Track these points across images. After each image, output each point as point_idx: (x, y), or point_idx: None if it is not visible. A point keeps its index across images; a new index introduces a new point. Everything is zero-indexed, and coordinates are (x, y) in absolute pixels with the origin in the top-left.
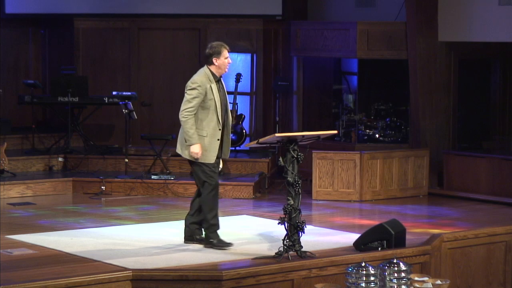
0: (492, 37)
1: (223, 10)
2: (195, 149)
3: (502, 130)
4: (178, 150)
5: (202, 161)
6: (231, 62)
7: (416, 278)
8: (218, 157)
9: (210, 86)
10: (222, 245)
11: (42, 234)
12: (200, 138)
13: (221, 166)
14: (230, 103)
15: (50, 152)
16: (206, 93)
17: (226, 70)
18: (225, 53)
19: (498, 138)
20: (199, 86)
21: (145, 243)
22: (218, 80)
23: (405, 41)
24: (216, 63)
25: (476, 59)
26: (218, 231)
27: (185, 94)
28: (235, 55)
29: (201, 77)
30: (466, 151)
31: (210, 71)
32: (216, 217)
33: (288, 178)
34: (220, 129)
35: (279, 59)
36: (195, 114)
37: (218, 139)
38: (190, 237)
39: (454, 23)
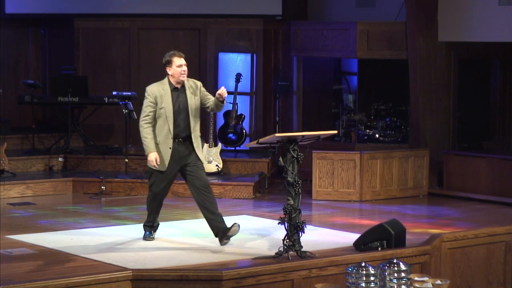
0: (492, 37)
1: (223, 10)
2: (150, 157)
3: (502, 130)
4: None
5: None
6: (185, 70)
7: (416, 278)
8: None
9: (161, 95)
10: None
11: (42, 234)
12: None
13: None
14: (229, 103)
15: (50, 152)
16: (156, 102)
17: (181, 78)
18: (176, 61)
19: (498, 138)
20: (148, 95)
21: (145, 243)
22: (175, 88)
23: (405, 41)
24: (169, 72)
25: (476, 59)
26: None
27: None
28: (235, 55)
29: (154, 86)
30: (466, 151)
31: (168, 80)
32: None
33: (288, 178)
34: (172, 138)
35: (279, 59)
36: (152, 122)
37: (170, 148)
38: (223, 235)
39: (454, 23)
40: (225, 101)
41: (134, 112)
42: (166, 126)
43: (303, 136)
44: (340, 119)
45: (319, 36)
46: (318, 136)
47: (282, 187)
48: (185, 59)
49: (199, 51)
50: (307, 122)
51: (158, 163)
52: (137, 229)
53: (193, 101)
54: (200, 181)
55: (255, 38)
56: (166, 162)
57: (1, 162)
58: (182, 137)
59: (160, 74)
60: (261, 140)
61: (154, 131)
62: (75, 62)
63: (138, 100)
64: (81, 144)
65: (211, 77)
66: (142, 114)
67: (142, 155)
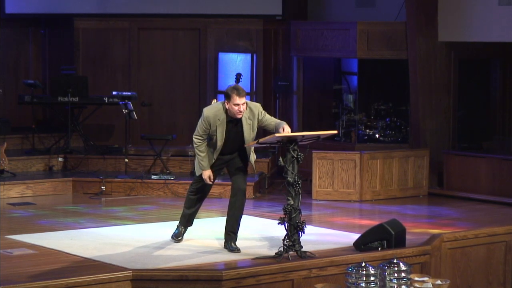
0: (492, 37)
1: (223, 10)
2: (204, 175)
3: (502, 130)
4: None
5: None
6: (242, 110)
7: (416, 278)
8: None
9: (216, 124)
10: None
11: (42, 234)
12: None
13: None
14: None
15: (50, 152)
16: (210, 127)
17: (237, 116)
18: (235, 99)
19: (498, 138)
20: (204, 120)
21: (145, 243)
22: (231, 120)
23: (405, 41)
24: (227, 106)
25: (476, 59)
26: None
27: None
28: (235, 55)
29: (212, 111)
30: (466, 151)
31: (225, 109)
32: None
33: (288, 178)
34: (214, 159)
35: (279, 59)
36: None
37: (212, 162)
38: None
39: (454, 23)
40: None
41: (134, 112)
42: (214, 148)
43: (303, 136)
44: (340, 119)
45: (319, 36)
46: (318, 136)
47: (282, 187)
48: (245, 96)
49: (199, 51)
50: (307, 122)
51: (211, 181)
52: (137, 229)
53: (248, 135)
54: (236, 184)
55: (255, 38)
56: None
57: (1, 162)
58: (228, 153)
59: (159, 74)
60: (261, 140)
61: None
62: (75, 62)
63: (138, 100)
64: (81, 144)
65: (211, 77)
66: (196, 133)
67: (142, 155)
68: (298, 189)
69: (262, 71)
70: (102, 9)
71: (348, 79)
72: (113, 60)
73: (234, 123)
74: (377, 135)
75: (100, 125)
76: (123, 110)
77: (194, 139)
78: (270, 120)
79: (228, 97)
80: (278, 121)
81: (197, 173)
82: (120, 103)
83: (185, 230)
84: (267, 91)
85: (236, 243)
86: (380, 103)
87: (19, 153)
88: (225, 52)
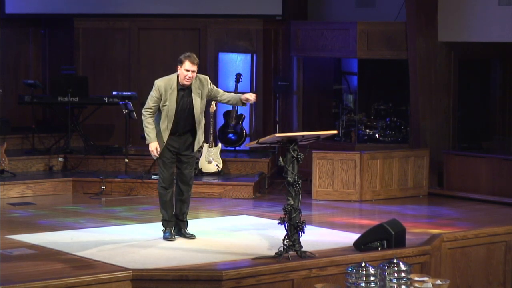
0: (492, 37)
1: (223, 10)
2: (150, 147)
3: (502, 130)
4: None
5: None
6: (190, 76)
7: (416, 278)
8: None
9: (167, 92)
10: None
11: (42, 234)
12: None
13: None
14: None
15: (50, 152)
16: (161, 97)
17: (185, 82)
18: (187, 64)
19: (498, 138)
20: (155, 89)
21: (145, 243)
22: (182, 88)
23: (405, 41)
24: (178, 72)
25: (476, 59)
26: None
27: None
28: (235, 55)
29: (163, 81)
30: (466, 151)
31: (177, 77)
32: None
33: (288, 178)
34: (168, 134)
35: (279, 59)
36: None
37: (164, 142)
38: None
39: (454, 23)
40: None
41: (134, 112)
42: (165, 123)
43: (303, 136)
44: (340, 119)
45: (319, 36)
46: (318, 136)
47: (282, 187)
48: (198, 65)
49: (199, 51)
50: (307, 122)
51: (157, 153)
52: (137, 229)
53: (198, 104)
54: (186, 177)
55: (255, 38)
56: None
57: (1, 162)
58: (182, 132)
59: (159, 74)
60: (261, 140)
61: (155, 120)
62: (75, 62)
63: (138, 100)
64: (81, 144)
65: (211, 77)
66: (146, 105)
67: (142, 155)
68: (298, 189)
69: (262, 71)
70: (102, 9)
71: (348, 79)
72: (113, 60)
73: (185, 91)
74: (377, 135)
75: (100, 125)
76: (123, 110)
77: (144, 112)
78: (221, 92)
79: (181, 62)
80: (234, 94)
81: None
82: (120, 103)
83: (173, 224)
84: (267, 91)
85: (236, 243)
86: (380, 103)
87: (19, 153)
88: (225, 52)
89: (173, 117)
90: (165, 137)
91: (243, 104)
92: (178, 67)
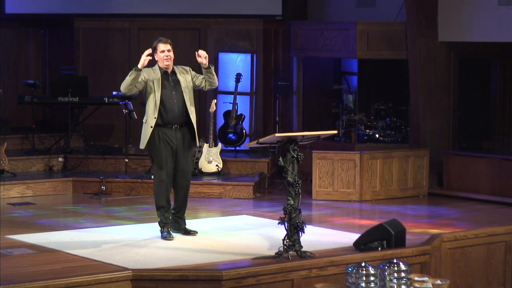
0: (492, 37)
1: (223, 10)
2: (140, 60)
3: (502, 130)
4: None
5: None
6: (168, 54)
7: (416, 278)
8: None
9: (152, 77)
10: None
11: (42, 234)
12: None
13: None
14: (229, 103)
15: (50, 152)
16: (146, 80)
17: (165, 62)
18: (161, 46)
19: (498, 138)
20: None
21: (145, 243)
22: (165, 73)
23: (405, 41)
24: (156, 59)
25: (476, 59)
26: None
27: None
28: (235, 55)
29: (145, 68)
30: (466, 151)
31: (158, 66)
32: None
33: (288, 178)
34: (155, 118)
35: (279, 59)
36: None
37: (151, 126)
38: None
39: (454, 23)
40: (211, 66)
41: (134, 112)
42: (155, 113)
43: (303, 136)
44: (340, 119)
45: (319, 36)
46: (318, 136)
47: (282, 187)
48: (171, 45)
49: None
50: (307, 122)
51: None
52: (137, 229)
53: (185, 82)
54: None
55: (255, 38)
56: (146, 141)
57: (1, 162)
58: (178, 123)
59: None
60: (261, 140)
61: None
62: (75, 62)
63: (138, 100)
64: (81, 144)
65: None
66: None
67: (142, 155)
68: (298, 189)
69: (262, 71)
70: (102, 9)
71: (348, 79)
72: (113, 60)
73: (168, 76)
74: (377, 135)
75: (100, 125)
76: (123, 110)
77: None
78: (200, 75)
79: (154, 48)
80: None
81: (142, 146)
82: (120, 103)
83: (170, 222)
84: (267, 91)
85: (236, 243)
86: (380, 103)
87: (19, 153)
88: (225, 52)
89: (160, 98)
90: (152, 123)
91: (206, 69)
92: (155, 56)
